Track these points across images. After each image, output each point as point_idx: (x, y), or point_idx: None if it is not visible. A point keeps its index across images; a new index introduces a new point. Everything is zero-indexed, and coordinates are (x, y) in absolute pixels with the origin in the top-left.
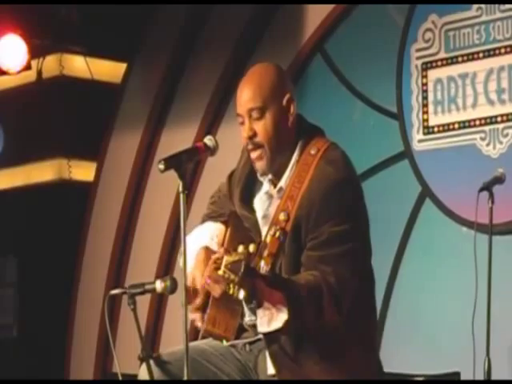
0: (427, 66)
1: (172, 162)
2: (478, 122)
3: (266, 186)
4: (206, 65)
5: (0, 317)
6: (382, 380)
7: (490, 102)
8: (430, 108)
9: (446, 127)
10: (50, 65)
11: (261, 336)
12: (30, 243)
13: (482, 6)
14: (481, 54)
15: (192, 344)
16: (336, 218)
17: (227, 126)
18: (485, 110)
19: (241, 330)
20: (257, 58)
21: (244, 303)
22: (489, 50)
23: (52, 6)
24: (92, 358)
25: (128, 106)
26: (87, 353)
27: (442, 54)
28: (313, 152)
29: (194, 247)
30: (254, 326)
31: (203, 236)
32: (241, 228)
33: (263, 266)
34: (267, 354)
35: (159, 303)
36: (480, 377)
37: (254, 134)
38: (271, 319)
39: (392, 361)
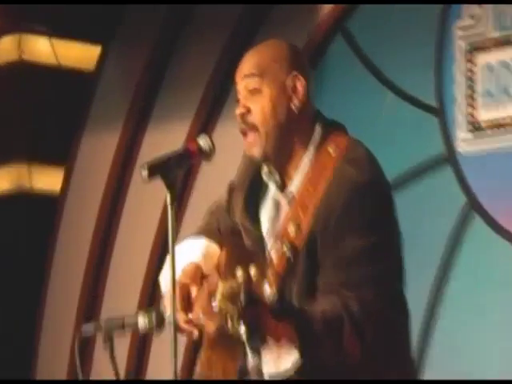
0: (474, 49)
1: (158, 168)
2: None
3: (273, 191)
4: (200, 48)
5: None
6: (384, 380)
7: None
8: (478, 100)
9: (498, 124)
10: (6, 47)
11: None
12: None
13: None
14: None
15: None
16: (361, 229)
17: (226, 123)
18: None
19: (244, 373)
20: (261, 40)
21: (245, 340)
22: None
23: None
24: None
25: (103, 98)
26: None
27: (493, 33)
28: (331, 150)
29: (181, 262)
30: (260, 371)
31: (194, 251)
32: (240, 246)
33: (267, 290)
34: None
35: (142, 342)
36: None
37: (248, 111)
38: (279, 359)
39: None
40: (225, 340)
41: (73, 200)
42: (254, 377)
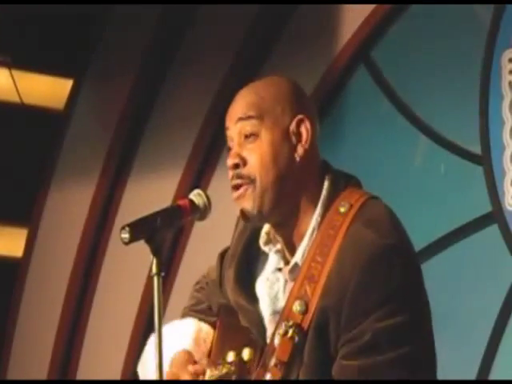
0: None
1: (141, 230)
2: None
3: (274, 261)
4: (193, 83)
5: None
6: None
7: None
8: None
9: None
10: None
11: None
12: None
13: None
14: None
15: None
16: (382, 306)
17: (224, 174)
18: None
19: None
20: (267, 73)
21: None
22: None
23: None
24: None
25: (74, 144)
26: None
27: None
28: (343, 209)
29: (169, 350)
30: None
31: (183, 336)
32: (234, 327)
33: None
34: None
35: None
36: None
37: (243, 162)
38: None
39: None
40: None
41: (38, 266)
42: None
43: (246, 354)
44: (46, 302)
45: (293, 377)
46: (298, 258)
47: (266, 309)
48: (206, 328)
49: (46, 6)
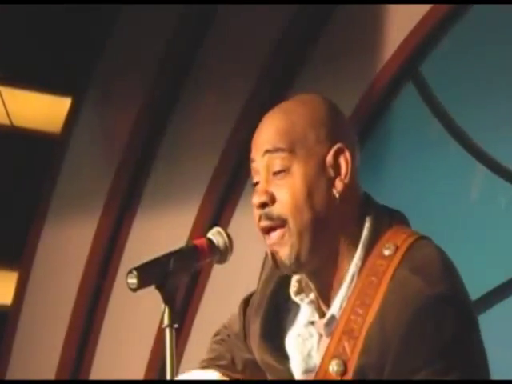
0: None
1: (151, 274)
2: None
3: (307, 313)
4: (211, 106)
5: None
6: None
7: None
8: None
9: None
10: None
11: None
12: None
13: None
14: None
15: None
16: (432, 364)
17: (247, 210)
18: None
19: None
20: (296, 94)
21: None
22: None
23: None
24: None
25: (73, 173)
26: None
27: None
28: (387, 252)
29: None
30: None
31: None
32: None
33: None
34: None
35: None
36: None
37: (271, 200)
38: None
39: None
40: None
41: (29, 315)
42: None
43: None
44: (40, 358)
45: None
46: (334, 309)
47: (297, 368)
48: None
49: (41, 12)
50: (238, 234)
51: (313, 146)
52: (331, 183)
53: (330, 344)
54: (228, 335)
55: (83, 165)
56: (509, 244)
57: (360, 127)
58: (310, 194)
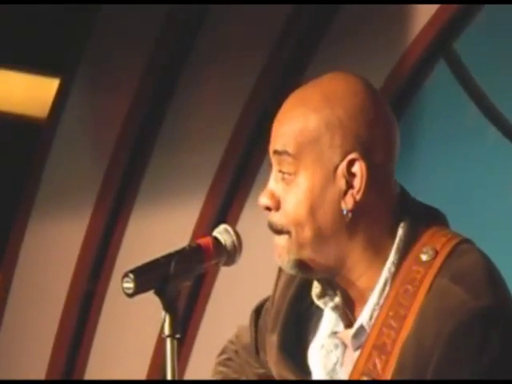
0: None
1: (150, 278)
2: None
3: (331, 321)
4: (217, 89)
5: None
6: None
7: None
8: None
9: None
10: None
11: None
12: None
13: None
14: None
15: None
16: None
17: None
18: None
19: None
20: (314, 74)
21: None
22: None
23: None
24: None
25: (60, 164)
26: None
27: None
28: (426, 257)
29: None
30: None
31: None
32: None
33: None
34: None
35: None
36: None
37: (276, 206)
38: None
39: None
40: None
41: (12, 325)
42: None
43: None
44: (24, 376)
45: None
46: (364, 319)
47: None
48: None
49: None
50: (247, 232)
51: (325, 150)
52: (341, 197)
53: (358, 359)
54: (236, 351)
55: (72, 155)
56: None
57: None
58: (313, 209)
